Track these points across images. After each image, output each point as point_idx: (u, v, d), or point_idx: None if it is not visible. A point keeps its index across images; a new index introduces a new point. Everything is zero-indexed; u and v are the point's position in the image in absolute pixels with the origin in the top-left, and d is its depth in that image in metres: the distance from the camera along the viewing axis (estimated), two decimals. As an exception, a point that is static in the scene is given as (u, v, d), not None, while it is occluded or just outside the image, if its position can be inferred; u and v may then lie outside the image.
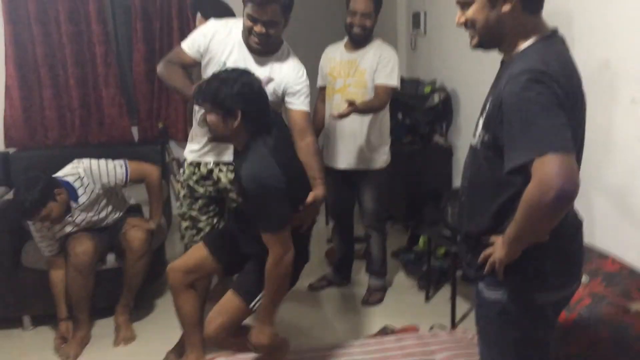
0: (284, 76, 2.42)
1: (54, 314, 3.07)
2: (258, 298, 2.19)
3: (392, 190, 3.86)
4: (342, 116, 2.92)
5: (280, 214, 2.04)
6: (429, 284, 3.43)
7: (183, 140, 4.70)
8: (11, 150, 4.40)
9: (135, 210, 3.31)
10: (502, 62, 1.58)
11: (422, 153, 4.15)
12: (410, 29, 4.78)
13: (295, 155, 2.29)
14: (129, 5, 4.55)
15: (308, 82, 2.50)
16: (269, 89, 2.38)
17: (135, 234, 3.05)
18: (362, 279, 3.57)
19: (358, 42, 3.18)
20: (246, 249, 2.29)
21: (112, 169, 2.96)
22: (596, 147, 2.39)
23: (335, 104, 3.17)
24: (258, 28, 2.31)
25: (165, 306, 3.41)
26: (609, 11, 2.46)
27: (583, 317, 2.19)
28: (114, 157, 3.05)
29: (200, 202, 2.63)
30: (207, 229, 2.65)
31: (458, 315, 3.11)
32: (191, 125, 2.68)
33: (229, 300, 2.23)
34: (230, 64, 2.36)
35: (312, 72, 2.78)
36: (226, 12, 3.02)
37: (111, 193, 3.07)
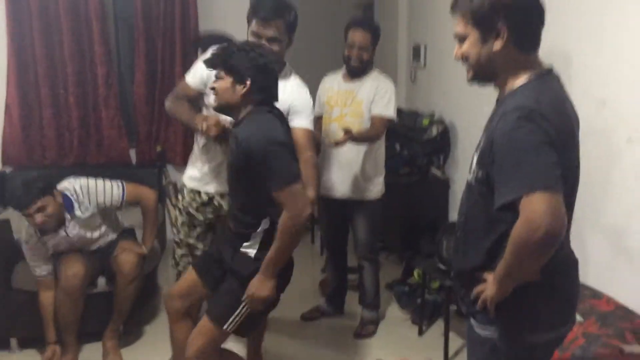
0: (288, 95, 2.42)
1: (42, 337, 3.02)
2: (231, 319, 2.12)
3: (388, 221, 3.86)
4: (339, 144, 2.93)
5: (291, 167, 2.01)
6: (422, 317, 3.39)
7: (181, 164, 4.71)
8: (8, 169, 4.39)
9: (128, 233, 3.29)
10: (497, 100, 1.59)
11: (419, 185, 4.15)
12: (411, 61, 4.83)
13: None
14: (132, 26, 4.59)
15: (312, 101, 2.53)
16: None
17: (126, 257, 3.02)
18: (355, 310, 3.53)
19: (356, 73, 3.21)
20: (228, 263, 2.23)
21: (109, 189, 2.95)
22: (593, 187, 2.39)
23: (332, 132, 3.18)
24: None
25: (154, 332, 3.37)
26: (605, 51, 2.49)
27: (576, 357, 2.16)
28: (111, 179, 3.04)
29: (198, 229, 2.61)
30: None
31: (451, 351, 3.07)
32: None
33: (204, 323, 2.20)
34: None
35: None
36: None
37: (106, 213, 3.05)
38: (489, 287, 1.51)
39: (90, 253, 3.06)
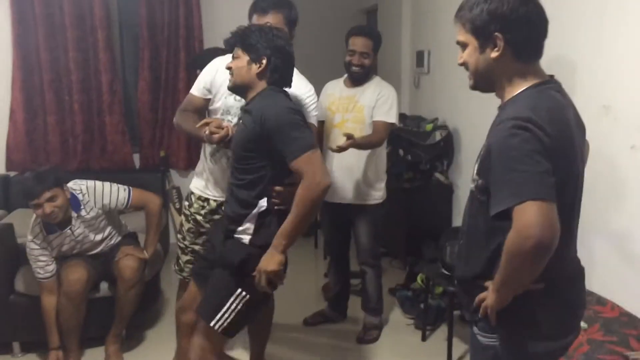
0: (293, 90, 2.38)
1: (45, 342, 3.02)
2: (220, 316, 2.07)
3: (391, 226, 3.85)
4: (341, 149, 2.93)
5: (309, 136, 2.00)
6: (425, 323, 3.37)
7: (184, 169, 4.74)
8: (12, 173, 4.41)
9: (131, 238, 3.30)
10: (499, 108, 1.59)
11: (423, 190, 4.15)
12: (414, 67, 4.83)
13: None
14: (137, 35, 4.61)
15: (316, 97, 2.52)
16: None
17: (127, 262, 3.02)
18: (358, 315, 3.52)
19: (357, 79, 3.22)
20: (217, 252, 2.18)
21: (115, 192, 2.98)
22: (596, 193, 2.39)
23: (333, 138, 3.18)
24: None
25: (156, 337, 3.37)
26: (609, 59, 2.49)
27: (581, 365, 2.15)
28: (117, 183, 3.06)
29: (204, 236, 2.58)
30: None
31: (454, 357, 3.05)
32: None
33: (199, 324, 2.18)
34: None
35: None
36: None
37: (110, 215, 3.07)
38: (489, 295, 1.51)
39: (92, 258, 3.07)
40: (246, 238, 2.08)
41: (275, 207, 2.08)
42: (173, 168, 4.76)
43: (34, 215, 2.90)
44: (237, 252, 2.08)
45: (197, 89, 2.53)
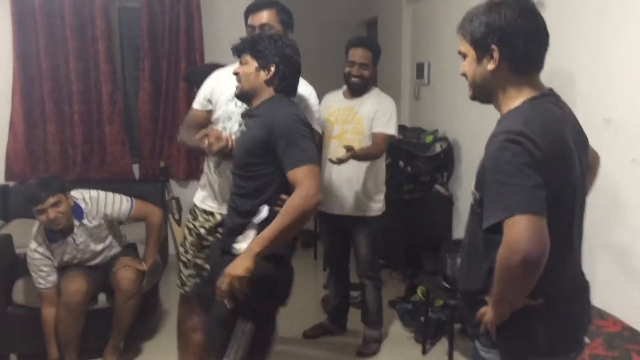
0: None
1: (43, 353, 3.00)
2: (228, 353, 2.00)
3: (390, 238, 3.84)
4: (341, 161, 2.92)
5: (311, 149, 1.97)
6: (426, 336, 3.35)
7: (184, 180, 4.73)
8: (11, 183, 4.40)
9: (130, 249, 3.28)
10: (498, 121, 1.59)
11: (423, 201, 4.14)
12: (414, 78, 4.84)
13: None
14: (138, 45, 4.62)
15: (318, 102, 2.50)
16: None
17: (124, 273, 3.01)
18: (358, 328, 3.50)
19: (356, 90, 3.22)
20: (215, 269, 2.12)
21: (118, 202, 2.99)
22: (597, 207, 2.37)
23: (332, 150, 3.17)
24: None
25: (155, 349, 3.34)
26: (609, 71, 2.49)
27: (583, 380, 2.13)
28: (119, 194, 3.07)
29: (207, 250, 2.54)
30: None
31: (455, 371, 3.04)
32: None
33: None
34: None
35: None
36: None
37: (112, 225, 3.07)
38: (488, 310, 1.50)
39: (91, 269, 3.05)
40: (243, 248, 2.00)
41: None
42: (173, 178, 4.75)
43: (36, 224, 2.90)
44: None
45: (197, 102, 2.53)
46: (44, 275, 2.90)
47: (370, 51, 3.18)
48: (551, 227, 1.36)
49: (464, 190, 3.95)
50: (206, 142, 2.20)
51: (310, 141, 2.00)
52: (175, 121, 4.63)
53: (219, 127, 2.42)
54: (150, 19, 4.51)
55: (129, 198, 3.04)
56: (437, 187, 4.17)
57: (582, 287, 1.59)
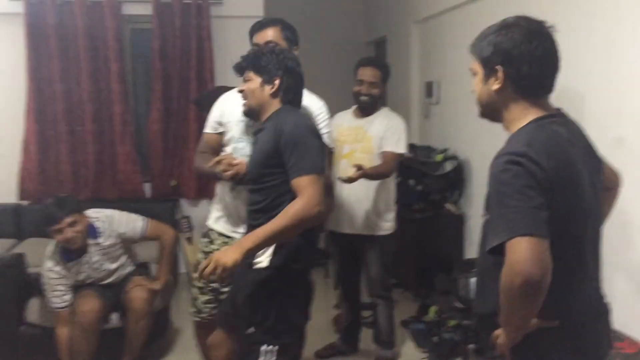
0: (304, 107, 2.37)
1: (54, 373, 3.00)
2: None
3: (402, 257, 3.82)
4: (351, 180, 2.93)
5: (318, 159, 1.97)
6: (440, 356, 3.31)
7: (194, 199, 4.75)
8: (24, 202, 4.44)
9: (143, 268, 3.29)
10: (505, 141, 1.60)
11: (434, 220, 4.13)
12: (423, 97, 4.86)
13: None
14: (149, 66, 4.68)
15: (327, 115, 2.49)
16: None
17: (137, 293, 3.02)
18: (370, 348, 3.46)
19: (365, 109, 3.24)
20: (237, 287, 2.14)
21: (132, 221, 3.02)
22: (611, 227, 2.36)
23: (342, 169, 3.18)
24: None
25: (166, 369, 3.34)
26: (620, 89, 2.49)
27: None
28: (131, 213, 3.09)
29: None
30: None
31: (469, 392, 3.00)
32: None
33: None
34: None
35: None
36: None
37: (125, 244, 3.08)
38: (500, 333, 1.50)
39: (104, 288, 3.06)
40: (265, 261, 2.01)
41: None
42: (184, 197, 4.77)
43: (52, 244, 2.92)
44: (253, 279, 2.02)
45: (209, 127, 2.54)
46: (60, 295, 2.91)
47: (379, 70, 3.21)
48: (560, 249, 1.36)
49: (475, 209, 3.94)
50: (219, 168, 2.21)
51: (318, 150, 1.99)
52: (186, 141, 4.67)
53: (232, 148, 2.44)
54: (161, 40, 4.57)
55: (143, 217, 3.06)
56: (448, 205, 4.16)
57: (600, 310, 1.57)
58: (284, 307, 2.02)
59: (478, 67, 1.54)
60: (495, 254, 1.38)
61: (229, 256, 1.86)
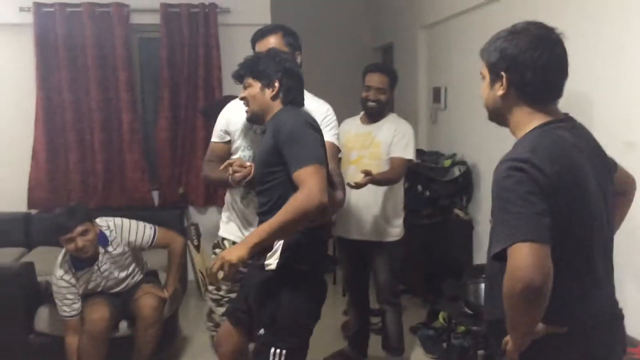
0: (309, 111, 2.33)
1: (63, 381, 3.00)
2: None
3: (410, 263, 3.80)
4: (359, 186, 2.92)
5: (317, 149, 1.96)
6: (449, 363, 3.30)
7: (202, 206, 4.76)
8: (33, 211, 4.46)
9: (152, 276, 3.30)
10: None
11: (442, 226, 4.11)
12: (431, 103, 4.86)
13: None
14: (157, 75, 4.70)
15: (334, 117, 2.47)
16: None
17: (146, 301, 3.02)
18: (379, 354, 3.45)
19: (373, 115, 3.24)
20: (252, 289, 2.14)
21: (142, 230, 3.02)
22: (625, 233, 2.34)
23: (350, 175, 3.17)
24: None
25: (176, 376, 3.34)
26: (630, 94, 2.47)
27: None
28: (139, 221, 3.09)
29: (243, 280, 2.42)
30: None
31: (479, 398, 2.97)
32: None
33: None
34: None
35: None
36: None
37: (134, 252, 3.09)
38: (509, 339, 1.49)
39: (113, 296, 3.07)
40: (274, 263, 2.01)
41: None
42: (192, 205, 4.78)
43: (62, 252, 2.92)
44: (262, 280, 2.02)
45: (216, 136, 2.54)
46: (69, 303, 2.92)
47: (386, 76, 3.20)
48: (565, 254, 1.37)
49: (484, 214, 3.92)
50: (230, 171, 2.21)
51: (315, 142, 1.98)
52: (194, 148, 4.69)
53: (239, 156, 2.44)
54: (169, 49, 4.60)
55: (151, 226, 3.06)
56: (457, 211, 4.14)
57: (612, 316, 1.55)
58: (293, 308, 2.03)
59: (486, 72, 1.55)
60: (500, 260, 1.37)
61: (234, 253, 1.88)
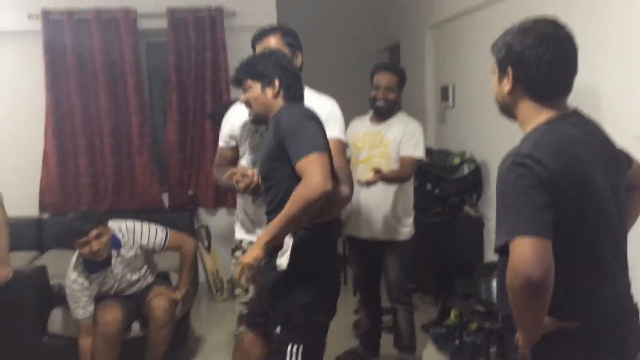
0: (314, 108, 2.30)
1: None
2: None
3: (421, 262, 3.80)
4: (370, 184, 2.92)
5: (318, 138, 1.96)
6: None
7: (212, 208, 4.77)
8: (45, 215, 4.50)
9: (163, 277, 3.31)
10: None
11: (452, 224, 4.10)
12: (439, 101, 4.85)
13: None
14: (165, 79, 4.73)
15: (339, 112, 2.45)
16: None
17: (158, 302, 3.04)
18: (391, 352, 3.44)
19: (382, 114, 3.24)
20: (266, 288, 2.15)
21: (154, 233, 3.03)
22: (637, 227, 2.33)
23: (360, 174, 3.17)
24: None
25: (188, 377, 3.35)
26: (636, 86, 2.46)
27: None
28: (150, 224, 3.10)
29: None
30: None
31: (493, 395, 2.96)
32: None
33: None
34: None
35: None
36: None
37: (146, 255, 3.11)
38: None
39: (126, 298, 3.09)
40: (285, 263, 2.00)
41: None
42: (201, 207, 4.80)
43: (75, 256, 2.95)
44: (274, 279, 2.03)
45: (222, 141, 2.56)
46: (83, 306, 2.94)
47: (395, 75, 3.21)
48: (572, 249, 1.38)
49: (495, 211, 3.89)
50: (234, 179, 2.20)
51: (315, 131, 1.98)
52: (203, 151, 4.71)
53: (246, 159, 2.45)
54: (177, 53, 4.62)
55: (163, 228, 3.08)
56: (467, 208, 4.13)
57: (627, 311, 1.54)
58: (306, 305, 2.03)
59: (495, 67, 1.56)
60: (504, 254, 1.38)
61: (249, 255, 1.94)
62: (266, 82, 2.09)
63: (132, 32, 4.55)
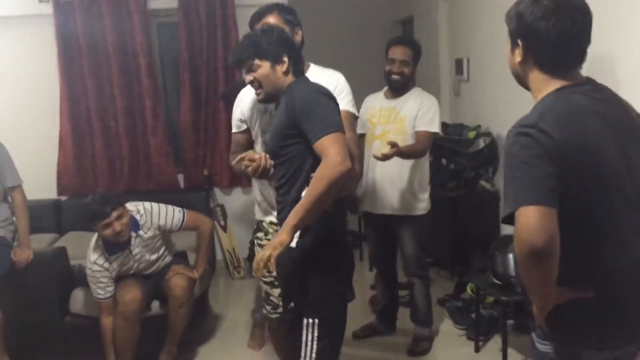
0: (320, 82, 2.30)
1: (98, 360, 3.09)
2: (303, 355, 2.05)
3: (437, 236, 3.79)
4: (386, 157, 2.91)
5: (335, 117, 1.95)
6: (478, 333, 3.29)
7: (227, 187, 4.80)
8: (63, 197, 4.56)
9: (181, 257, 3.35)
10: None
11: (468, 198, 4.08)
12: (454, 75, 4.79)
13: None
14: (177, 59, 4.72)
15: (347, 84, 2.44)
16: None
17: (177, 281, 3.08)
18: (407, 327, 3.47)
19: (397, 89, 3.20)
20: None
21: (171, 214, 3.06)
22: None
23: (375, 149, 3.16)
24: None
25: (208, 353, 3.40)
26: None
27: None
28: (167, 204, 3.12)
29: None
30: None
31: (510, 367, 2.97)
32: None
33: None
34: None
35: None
36: None
37: (164, 235, 3.14)
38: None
39: (145, 277, 3.13)
40: (294, 241, 1.98)
41: None
42: (217, 186, 4.82)
43: (94, 237, 2.98)
44: (288, 257, 2.00)
45: (234, 126, 2.56)
46: (103, 286, 2.99)
47: (410, 49, 3.17)
48: (581, 218, 1.38)
49: (510, 185, 3.87)
50: (242, 166, 2.19)
51: (331, 110, 1.97)
52: (217, 130, 4.71)
53: (260, 142, 2.46)
54: (188, 32, 4.60)
55: (180, 209, 3.10)
56: (483, 183, 4.10)
57: None
58: (319, 278, 2.04)
59: (508, 37, 1.55)
60: (511, 224, 1.38)
61: (277, 240, 1.88)
62: (274, 59, 2.06)
63: (142, 12, 4.53)
